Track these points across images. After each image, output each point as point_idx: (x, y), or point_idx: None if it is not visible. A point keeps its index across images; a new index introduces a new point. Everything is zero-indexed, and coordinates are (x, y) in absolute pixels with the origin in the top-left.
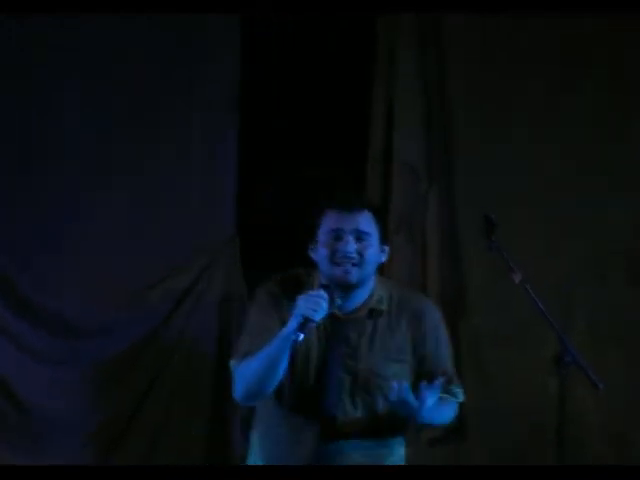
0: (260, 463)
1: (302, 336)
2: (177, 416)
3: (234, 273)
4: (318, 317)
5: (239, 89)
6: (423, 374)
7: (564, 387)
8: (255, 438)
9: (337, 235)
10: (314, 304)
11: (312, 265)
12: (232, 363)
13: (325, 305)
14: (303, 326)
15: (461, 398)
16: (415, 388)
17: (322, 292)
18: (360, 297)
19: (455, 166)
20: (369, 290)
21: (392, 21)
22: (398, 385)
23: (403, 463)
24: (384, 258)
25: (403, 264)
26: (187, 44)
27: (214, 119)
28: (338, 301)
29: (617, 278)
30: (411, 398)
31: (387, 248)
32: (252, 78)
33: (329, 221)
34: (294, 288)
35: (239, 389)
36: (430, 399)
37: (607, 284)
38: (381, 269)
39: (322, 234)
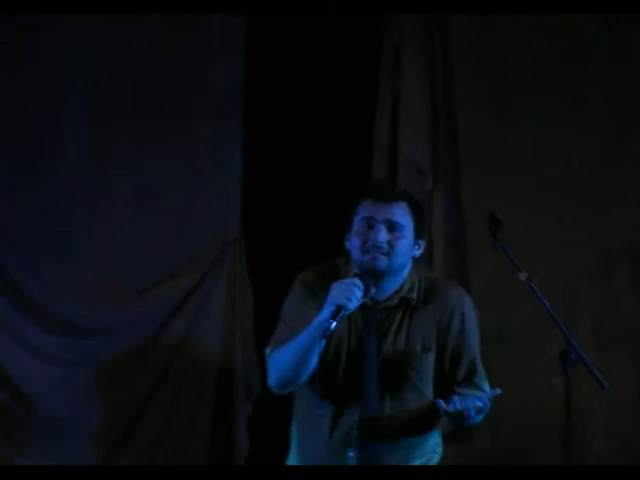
0: (297, 453)
1: (334, 324)
2: (181, 416)
3: (239, 274)
4: (352, 305)
5: (244, 89)
6: (446, 362)
7: (569, 385)
8: (294, 428)
9: (369, 224)
10: (348, 292)
11: (306, 251)
12: (267, 351)
13: (359, 293)
14: (336, 314)
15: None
16: (438, 376)
17: (357, 280)
18: (391, 286)
19: (460, 164)
20: (401, 279)
21: (398, 21)
22: (459, 399)
23: (438, 451)
24: (418, 252)
25: None
26: (191, 44)
27: (219, 119)
28: (373, 290)
29: (623, 277)
30: (472, 413)
31: (422, 242)
32: (257, 78)
33: (364, 209)
34: (330, 277)
35: (273, 377)
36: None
37: (613, 283)
38: None
39: (356, 222)
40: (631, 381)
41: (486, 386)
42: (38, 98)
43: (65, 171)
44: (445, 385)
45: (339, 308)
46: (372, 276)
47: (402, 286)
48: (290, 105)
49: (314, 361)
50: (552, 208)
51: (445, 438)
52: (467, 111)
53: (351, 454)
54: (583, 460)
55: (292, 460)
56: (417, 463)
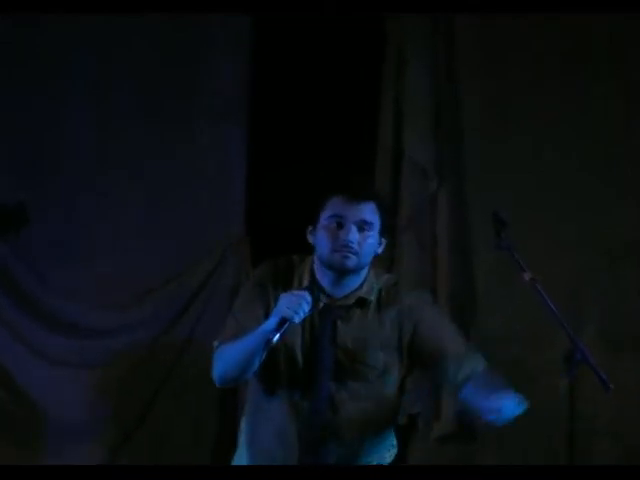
0: (248, 450)
1: (278, 336)
2: (185, 417)
3: (244, 274)
4: (297, 319)
5: (249, 88)
6: (428, 356)
7: (574, 386)
8: (245, 425)
9: (340, 222)
10: (296, 305)
11: (307, 251)
12: (215, 344)
13: (307, 307)
14: (281, 326)
15: (483, 364)
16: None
17: (305, 293)
18: (351, 285)
19: (465, 165)
20: (361, 279)
21: (402, 21)
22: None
23: (393, 450)
24: (380, 250)
25: (412, 263)
26: (195, 45)
27: (223, 120)
28: (321, 304)
29: (626, 277)
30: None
31: (385, 241)
32: (262, 78)
33: (334, 207)
34: (285, 274)
35: (217, 372)
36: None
37: (616, 284)
38: (390, 267)
39: (325, 219)
40: (637, 382)
41: (481, 360)
42: (39, 98)
43: (68, 172)
44: (442, 373)
45: (284, 321)
46: (337, 273)
47: (361, 286)
48: (295, 106)
49: (256, 364)
50: (553, 208)
51: (449, 439)
52: (472, 112)
53: (304, 450)
54: (588, 461)
55: (241, 457)
56: (370, 460)
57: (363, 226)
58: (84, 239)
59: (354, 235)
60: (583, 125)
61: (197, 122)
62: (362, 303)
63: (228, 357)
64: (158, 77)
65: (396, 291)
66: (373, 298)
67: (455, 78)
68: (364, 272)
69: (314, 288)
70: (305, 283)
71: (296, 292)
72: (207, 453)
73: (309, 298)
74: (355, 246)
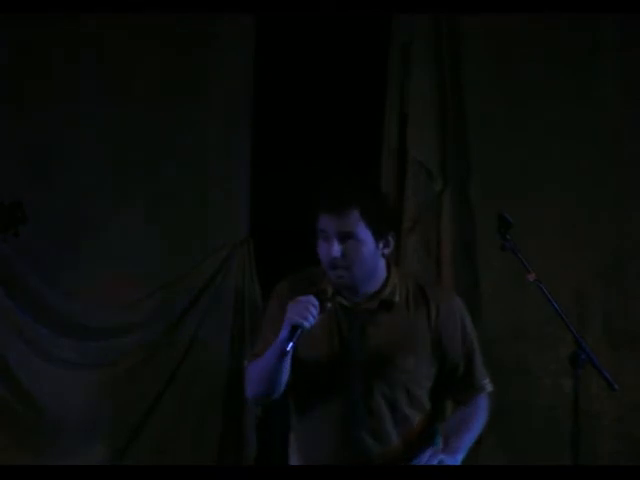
0: (297, 461)
1: (291, 345)
2: (190, 417)
3: (248, 274)
4: (308, 324)
5: (253, 89)
6: (446, 365)
7: (578, 386)
8: (292, 437)
9: (325, 237)
10: (304, 311)
11: (310, 252)
12: (245, 363)
13: (315, 312)
14: (293, 334)
15: (490, 388)
16: (439, 383)
17: (312, 298)
18: (368, 289)
19: (470, 166)
20: (379, 282)
21: (407, 21)
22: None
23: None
24: (387, 250)
25: (418, 264)
26: (202, 44)
27: (229, 120)
28: (329, 305)
29: (634, 277)
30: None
31: (391, 239)
32: (266, 79)
33: (321, 222)
34: (306, 288)
35: (248, 390)
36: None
37: (624, 284)
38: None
39: (318, 234)
40: None
41: (487, 385)
42: (40, 98)
43: (76, 172)
44: (444, 387)
45: (295, 328)
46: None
47: (383, 288)
48: (300, 106)
49: (283, 378)
50: (558, 208)
51: None
52: (477, 112)
53: (347, 458)
54: (592, 461)
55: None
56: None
57: (345, 237)
58: (93, 240)
59: (336, 249)
60: (589, 124)
61: (202, 123)
62: (387, 305)
63: (254, 375)
64: (162, 78)
65: (424, 290)
66: (397, 299)
67: (460, 79)
68: (379, 274)
69: (321, 292)
70: (330, 292)
71: (302, 298)
72: (211, 454)
73: (315, 301)
74: (341, 260)
